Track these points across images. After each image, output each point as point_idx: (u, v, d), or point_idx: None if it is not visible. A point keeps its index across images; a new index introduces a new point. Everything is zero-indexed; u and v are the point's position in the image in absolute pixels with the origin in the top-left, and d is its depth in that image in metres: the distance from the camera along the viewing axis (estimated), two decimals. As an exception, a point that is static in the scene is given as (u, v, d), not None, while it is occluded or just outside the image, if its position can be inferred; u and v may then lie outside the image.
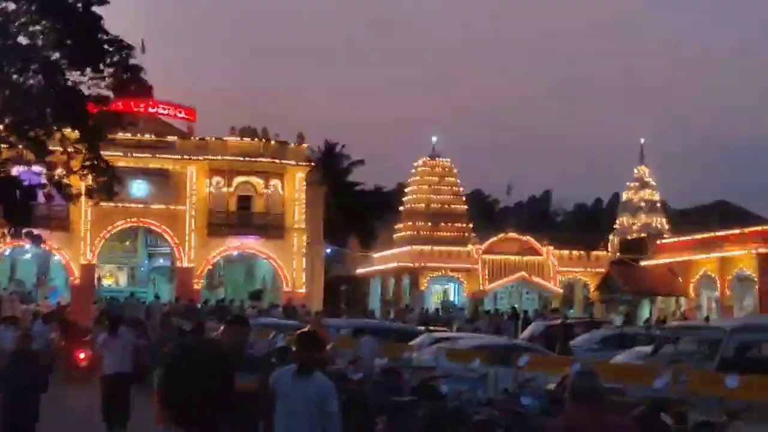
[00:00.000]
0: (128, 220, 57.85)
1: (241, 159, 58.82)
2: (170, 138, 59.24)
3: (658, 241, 64.41)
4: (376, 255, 69.02)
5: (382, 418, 14.29)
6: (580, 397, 5.69)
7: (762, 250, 53.78)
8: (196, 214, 58.69)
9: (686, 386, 12.11)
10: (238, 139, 59.71)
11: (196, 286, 57.98)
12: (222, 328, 10.15)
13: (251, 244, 59.48)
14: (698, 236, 59.74)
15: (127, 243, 63.87)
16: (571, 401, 5.77)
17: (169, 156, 58.42)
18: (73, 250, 56.64)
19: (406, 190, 70.50)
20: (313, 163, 64.60)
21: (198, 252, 58.69)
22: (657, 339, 17.43)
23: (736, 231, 56.60)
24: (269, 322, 33.23)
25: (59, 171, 28.67)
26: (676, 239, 63.44)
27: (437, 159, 68.66)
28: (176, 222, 58.48)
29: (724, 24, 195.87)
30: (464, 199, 69.79)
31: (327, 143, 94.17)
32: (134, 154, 56.50)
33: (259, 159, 59.18)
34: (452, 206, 67.15)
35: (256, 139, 59.88)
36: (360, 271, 70.85)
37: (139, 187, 57.44)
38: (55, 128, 26.84)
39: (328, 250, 68.63)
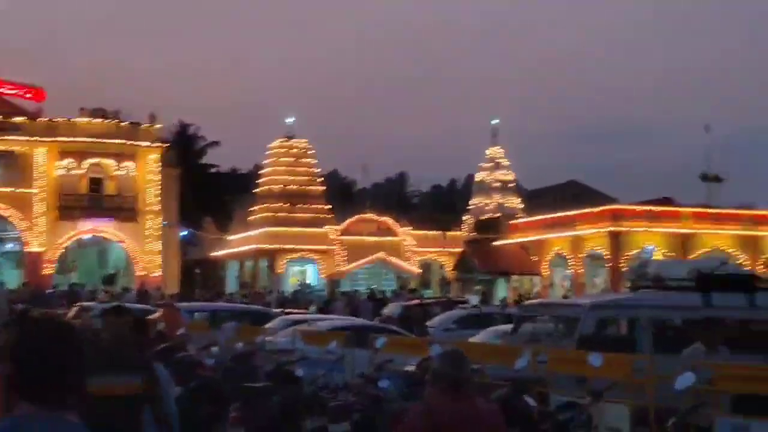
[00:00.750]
0: (-28, 203, 55.76)
1: (92, 140, 57.21)
2: (17, 119, 57.21)
3: (512, 221, 65.18)
4: (232, 237, 68.17)
5: (236, 405, 13.81)
6: (442, 380, 5.35)
7: (612, 229, 54.97)
8: (46, 197, 56.85)
9: (547, 366, 11.99)
10: (89, 119, 58.02)
11: (46, 271, 56.22)
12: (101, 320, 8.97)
13: (104, 227, 57.99)
14: (550, 216, 60.69)
15: (-27, 228, 61.61)
16: (432, 385, 5.42)
17: (16, 137, 56.42)
18: None
19: (262, 171, 69.79)
20: (166, 144, 63.32)
21: (48, 236, 56.97)
22: (516, 318, 17.30)
23: (587, 210, 57.71)
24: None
25: None
26: (529, 219, 64.33)
27: (293, 140, 68.10)
28: (24, 205, 56.61)
29: (576, 17, 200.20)
30: (321, 180, 69.51)
31: (181, 124, 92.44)
32: (-23, 136, 54.50)
33: (110, 140, 57.67)
34: (309, 187, 66.78)
35: (107, 120, 58.30)
36: (216, 253, 69.93)
37: (-17, 170, 55.44)
38: None
39: (184, 233, 67.48)
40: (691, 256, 49.64)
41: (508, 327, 19.59)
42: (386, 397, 12.15)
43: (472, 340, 18.40)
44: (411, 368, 14.58)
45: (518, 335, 16.12)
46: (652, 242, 55.58)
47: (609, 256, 55.66)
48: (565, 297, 26.31)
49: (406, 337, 18.86)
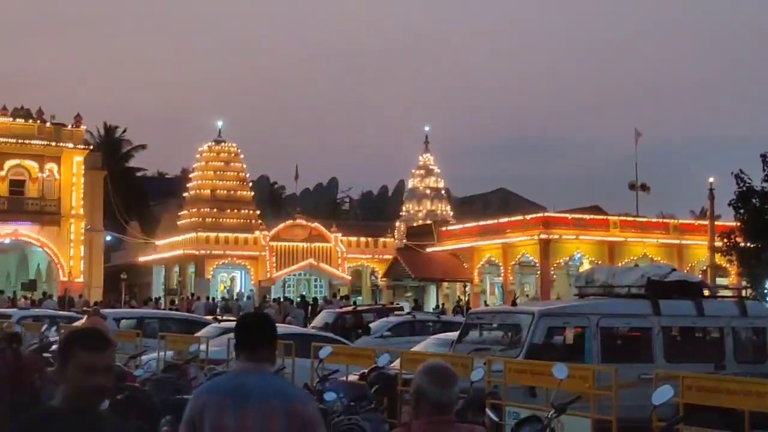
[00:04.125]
0: None
1: (14, 141, 55.62)
2: (-67, 117, 55.47)
3: (443, 228, 64.89)
4: (159, 242, 66.89)
5: (168, 418, 13.00)
6: (425, 400, 4.58)
7: (543, 236, 54.93)
8: (-36, 200, 55.16)
9: (502, 377, 11.39)
10: (11, 120, 56.38)
11: (-37, 277, 54.59)
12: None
13: (25, 230, 56.38)
14: (482, 223, 60.63)
15: None
16: (415, 405, 4.64)
17: (-68, 136, 54.66)
18: None
19: (190, 175, 68.67)
20: (91, 147, 61.91)
21: (-35, 240, 55.26)
22: (462, 325, 16.67)
23: (518, 218, 57.75)
24: (43, 313, 31.01)
25: None
26: (460, 226, 64.13)
27: (222, 144, 67.07)
28: (-61, 208, 54.85)
29: (506, 29, 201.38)
30: (250, 185, 68.60)
31: (106, 127, 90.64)
32: None
33: (33, 141, 56.12)
34: (238, 192, 65.84)
35: (30, 121, 56.74)
36: (142, 259, 68.58)
37: None
38: None
39: (108, 238, 66.03)
40: (619, 264, 49.71)
41: (448, 335, 19.01)
42: (332, 411, 11.48)
43: (414, 348, 17.70)
44: (354, 378, 13.92)
45: (465, 344, 15.50)
46: (580, 249, 55.76)
47: (539, 263, 55.62)
48: (513, 303, 25.79)
49: (350, 347, 18.16)
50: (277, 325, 18.06)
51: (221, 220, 63.75)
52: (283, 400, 5.09)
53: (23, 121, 56.60)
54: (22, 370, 13.34)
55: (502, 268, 58.50)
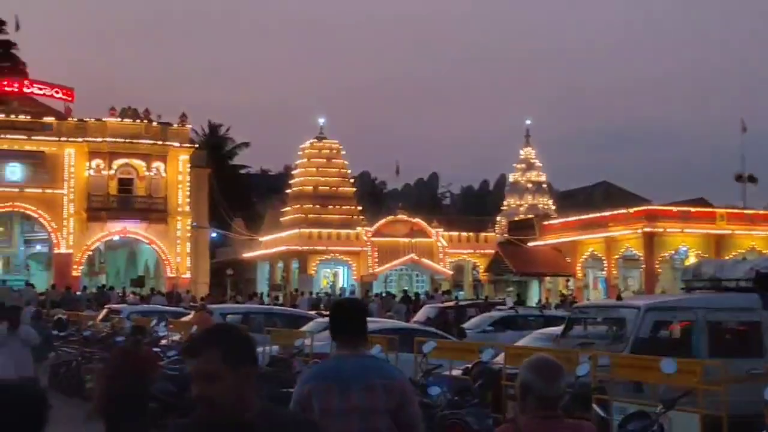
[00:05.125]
0: (1, 205, 55.41)
1: (122, 141, 56.79)
2: (47, 119, 56.89)
3: (545, 222, 64.41)
4: (263, 239, 67.61)
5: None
6: (532, 395, 4.54)
7: (647, 229, 54.19)
8: (75, 198, 56.50)
9: (610, 372, 11.28)
10: (119, 120, 57.60)
11: (75, 273, 55.83)
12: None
13: (133, 228, 57.53)
14: (584, 217, 59.93)
15: (1, 229, 61.48)
16: (521, 400, 4.60)
17: (46, 138, 56.09)
18: (-57, 238, 54.03)
19: (293, 172, 69.28)
20: (196, 145, 62.91)
21: (77, 237, 56.58)
22: (566, 320, 16.54)
23: (622, 211, 57.00)
24: (151, 309, 31.65)
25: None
26: (562, 220, 63.55)
27: (324, 141, 67.50)
28: (53, 206, 56.25)
29: (607, 16, 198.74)
30: (352, 181, 68.91)
31: (211, 125, 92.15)
32: (8, 136, 54.33)
33: (140, 141, 57.26)
34: (340, 188, 66.18)
35: (137, 120, 57.88)
36: (247, 255, 69.37)
37: (13, 170, 55.19)
38: None
39: (214, 234, 66.98)
40: (726, 257, 48.74)
41: (551, 330, 18.88)
42: (436, 405, 11.49)
43: (518, 343, 17.61)
44: (457, 373, 13.91)
45: (569, 338, 15.38)
46: (686, 243, 54.85)
47: (643, 257, 54.85)
48: (618, 298, 25.43)
49: (453, 341, 18.14)
50: (379, 319, 18.06)
51: (324, 216, 64.17)
52: (381, 378, 5.66)
53: (131, 121, 57.74)
54: (142, 362, 13.89)
55: (605, 262, 57.81)
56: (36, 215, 56.80)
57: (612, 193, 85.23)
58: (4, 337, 14.83)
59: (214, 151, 77.31)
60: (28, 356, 14.76)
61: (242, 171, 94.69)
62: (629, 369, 11.69)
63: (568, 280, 59.70)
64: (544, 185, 74.05)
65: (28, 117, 56.04)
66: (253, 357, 3.72)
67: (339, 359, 5.80)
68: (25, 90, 56.25)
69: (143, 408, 12.42)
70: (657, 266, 54.72)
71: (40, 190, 55.92)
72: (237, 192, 77.85)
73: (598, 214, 58.94)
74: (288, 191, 68.03)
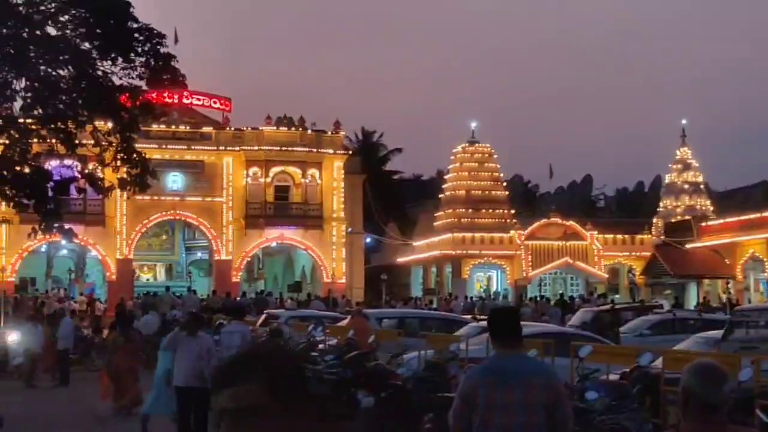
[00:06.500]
0: (164, 213, 57.23)
1: (278, 149, 58.00)
2: (205, 129, 58.56)
3: (703, 223, 62.97)
4: (416, 243, 68.00)
5: (430, 416, 13.30)
6: (693, 401, 4.47)
7: (810, 230, 52.43)
8: (233, 206, 57.93)
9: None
10: (275, 128, 58.87)
11: (234, 279, 57.21)
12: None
13: (290, 234, 58.67)
14: (744, 217, 58.31)
15: (164, 237, 63.49)
16: (683, 406, 4.53)
17: (205, 147, 57.74)
18: (109, 245, 55.96)
19: (445, 177, 69.48)
20: (350, 152, 63.73)
21: (236, 244, 58.00)
22: (727, 323, 16.23)
23: (785, 211, 55.22)
24: (308, 313, 32.30)
25: (92, 164, 27.98)
26: (721, 221, 61.96)
27: (476, 145, 67.48)
28: (213, 214, 57.82)
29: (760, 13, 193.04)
30: (504, 184, 68.65)
31: (364, 132, 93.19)
32: (169, 146, 56.02)
33: (295, 148, 58.36)
34: (493, 192, 66.02)
35: (292, 129, 59.04)
36: (400, 259, 69.86)
37: (174, 180, 56.81)
38: (86, 120, 25.97)
39: (368, 240, 67.67)
40: None
41: (711, 333, 18.53)
42: (593, 410, 11.47)
43: (677, 347, 17.35)
44: (615, 378, 13.82)
45: (730, 342, 15.11)
46: None
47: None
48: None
49: (610, 345, 18.01)
50: (535, 324, 18.07)
51: (476, 220, 64.14)
52: (539, 376, 6.37)
53: (286, 129, 58.94)
54: None
55: (767, 263, 56.23)
56: (196, 223, 58.47)
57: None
58: (184, 342, 15.36)
59: (367, 158, 78.11)
60: (206, 362, 15.28)
61: (395, 176, 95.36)
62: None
63: (728, 283, 58.24)
64: (702, 186, 72.37)
65: (188, 127, 57.76)
66: (306, 388, 2.84)
67: (500, 358, 6.44)
68: (185, 101, 57.79)
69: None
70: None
71: (200, 199, 57.52)
72: (390, 197, 78.50)
73: (758, 215, 57.25)
74: (441, 196, 68.22)
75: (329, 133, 59.93)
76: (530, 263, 61.17)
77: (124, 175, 26.63)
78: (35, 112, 25.84)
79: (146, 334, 26.69)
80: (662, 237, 64.60)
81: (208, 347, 15.56)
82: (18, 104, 25.41)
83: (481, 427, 6.29)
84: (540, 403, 6.20)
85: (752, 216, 57.76)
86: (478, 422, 6.29)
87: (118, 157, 26.29)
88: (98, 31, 25.34)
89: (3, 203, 27.96)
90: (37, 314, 33.00)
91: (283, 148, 58.05)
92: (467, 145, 67.43)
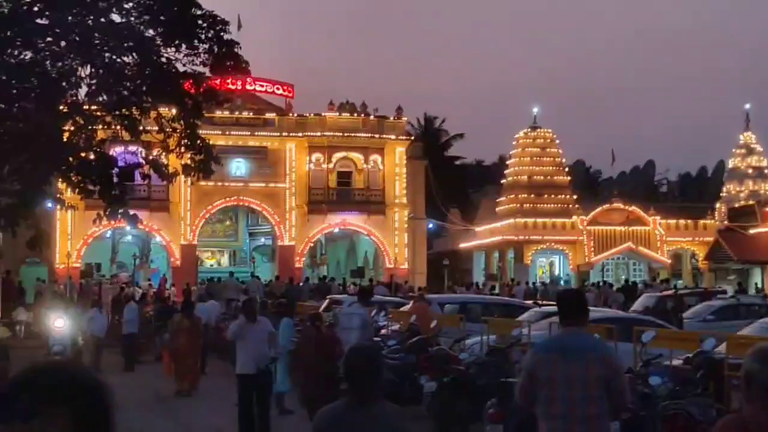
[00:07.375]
0: (227, 199, 57.67)
1: (340, 135, 58.21)
2: (268, 115, 58.86)
3: (767, 208, 62.11)
4: (478, 229, 67.88)
5: (493, 401, 13.35)
6: (757, 387, 4.38)
7: None
8: (296, 192, 58.22)
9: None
10: (337, 114, 59.05)
11: (297, 265, 57.54)
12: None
13: (352, 220, 58.84)
14: (811, 201, 57.41)
15: (228, 223, 63.98)
16: (746, 391, 4.47)
17: (268, 133, 58.07)
18: (173, 231, 56.56)
19: (507, 162, 69.25)
20: (412, 138, 63.71)
21: (299, 230, 58.26)
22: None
23: None
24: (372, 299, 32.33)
25: (156, 151, 28.26)
26: (787, 206, 61.05)
27: (538, 130, 67.14)
28: (276, 200, 58.14)
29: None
30: (567, 170, 68.26)
31: (426, 117, 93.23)
32: (232, 132, 56.44)
33: (358, 134, 58.52)
34: (555, 177, 65.68)
35: (354, 114, 59.18)
36: (462, 245, 69.76)
37: (237, 166, 57.17)
38: (150, 107, 26.27)
39: (430, 225, 67.65)
40: None
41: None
42: (657, 396, 11.44)
43: (741, 332, 17.21)
44: (678, 363, 13.76)
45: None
46: None
47: None
48: None
49: (673, 330, 17.92)
50: (598, 309, 18.10)
51: (539, 205, 63.85)
52: (599, 352, 6.89)
53: (349, 115, 59.09)
54: (323, 343, 16.56)
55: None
56: (260, 209, 58.85)
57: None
58: (244, 329, 15.59)
59: (429, 143, 78.13)
60: (266, 347, 15.51)
61: (457, 162, 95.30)
62: None
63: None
64: (766, 170, 71.40)
65: (251, 114, 58.12)
66: (112, 423, 2.34)
67: (564, 336, 6.99)
68: (248, 87, 58.00)
69: (337, 387, 12.93)
70: None
71: (263, 184, 57.86)
72: (452, 183, 78.40)
73: (825, 199, 56.45)
74: (503, 181, 68.00)
75: (391, 118, 59.95)
76: (593, 249, 60.84)
77: (188, 161, 26.86)
78: (100, 99, 26.12)
79: (205, 321, 26.78)
80: (725, 222, 63.88)
81: (269, 331, 15.76)
82: (83, 91, 25.67)
83: (546, 400, 6.74)
84: (600, 376, 6.64)
85: (819, 200, 56.89)
86: (543, 396, 6.75)
87: (182, 143, 26.55)
88: (162, 18, 25.57)
89: (69, 190, 28.27)
90: (102, 300, 33.48)
91: (346, 134, 58.24)
92: (529, 130, 67.11)
